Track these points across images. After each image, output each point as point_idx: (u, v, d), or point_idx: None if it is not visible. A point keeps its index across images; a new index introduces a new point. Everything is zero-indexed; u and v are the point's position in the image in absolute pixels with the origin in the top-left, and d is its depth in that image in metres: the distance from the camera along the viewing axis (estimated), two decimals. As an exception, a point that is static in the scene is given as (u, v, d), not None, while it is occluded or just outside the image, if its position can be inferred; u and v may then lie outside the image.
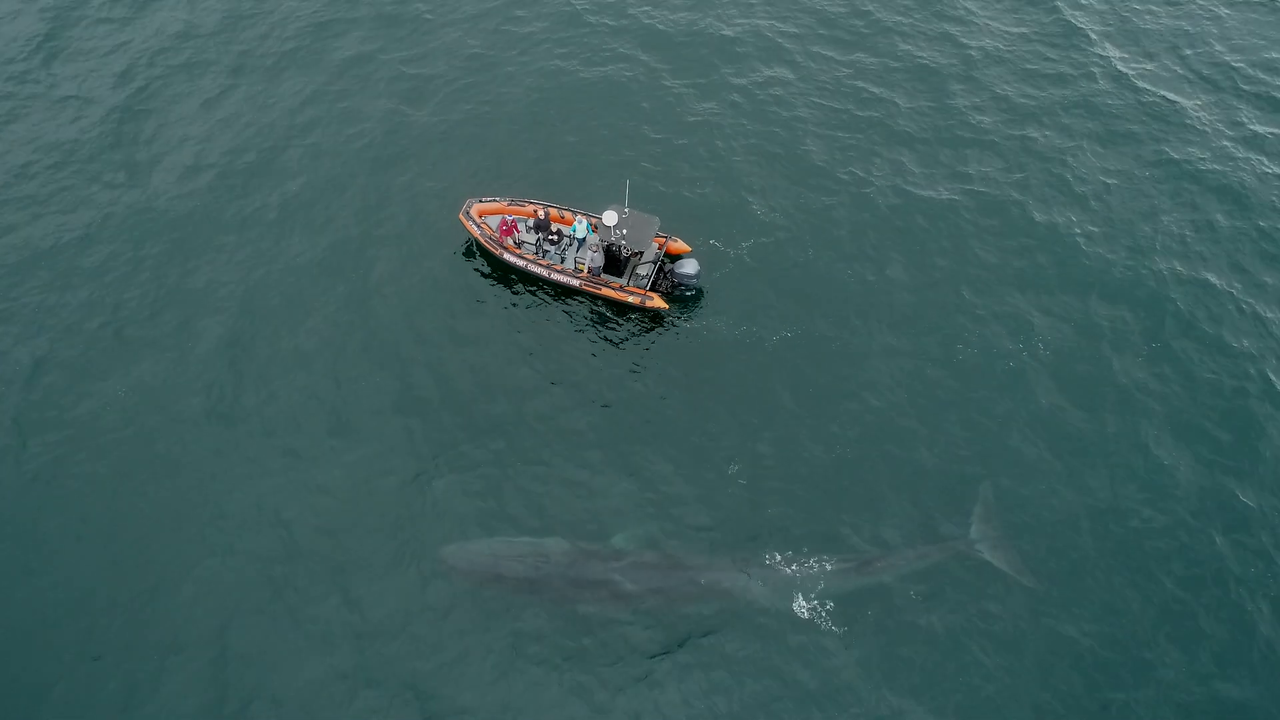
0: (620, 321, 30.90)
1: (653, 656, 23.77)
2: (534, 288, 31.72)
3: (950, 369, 29.09)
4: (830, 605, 24.37)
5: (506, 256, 31.41)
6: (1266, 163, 34.32)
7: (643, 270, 31.09)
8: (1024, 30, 40.05)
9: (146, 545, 25.29)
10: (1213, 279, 30.93)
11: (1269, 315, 29.92)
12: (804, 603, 24.41)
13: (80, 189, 33.98)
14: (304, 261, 32.14)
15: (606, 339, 30.49)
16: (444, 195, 33.96)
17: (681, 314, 30.93)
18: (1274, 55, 38.38)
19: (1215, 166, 34.24)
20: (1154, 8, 40.85)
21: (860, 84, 37.72)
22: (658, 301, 30.50)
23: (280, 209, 33.70)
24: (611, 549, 25.40)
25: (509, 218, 32.12)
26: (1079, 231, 32.51)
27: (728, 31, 39.94)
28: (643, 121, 36.38)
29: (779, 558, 25.20)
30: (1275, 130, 35.50)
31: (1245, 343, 29.30)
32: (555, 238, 31.81)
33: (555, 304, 31.40)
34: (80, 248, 32.14)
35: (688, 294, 31.29)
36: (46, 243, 32.22)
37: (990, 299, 30.76)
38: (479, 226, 31.78)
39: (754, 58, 38.86)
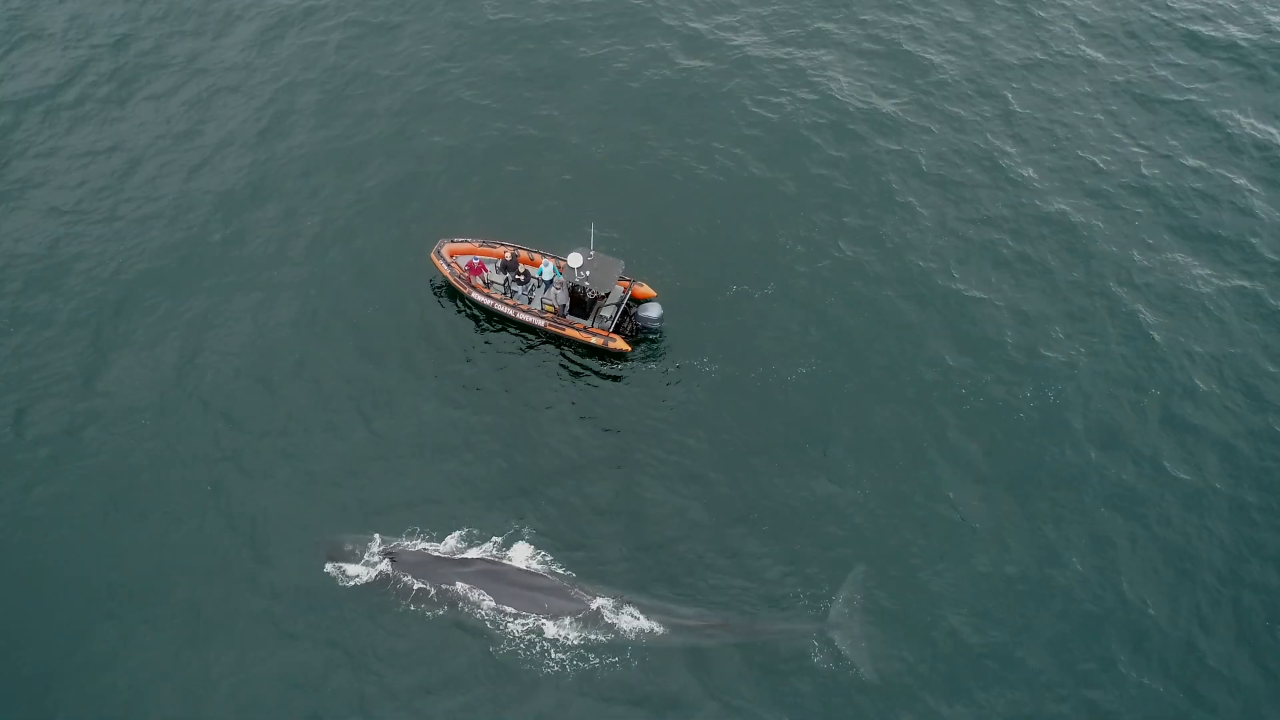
0: (582, 361, 31.68)
1: (470, 665, 25.22)
2: (501, 326, 32.55)
3: (865, 451, 29.28)
4: (671, 656, 25.16)
5: (475, 295, 32.22)
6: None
7: (606, 312, 31.90)
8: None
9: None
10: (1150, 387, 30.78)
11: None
12: (641, 644, 25.22)
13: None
14: (278, 285, 33.24)
15: (567, 377, 31.36)
16: (417, 232, 34.81)
17: (642, 356, 31.72)
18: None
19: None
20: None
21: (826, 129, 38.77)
22: (620, 344, 31.28)
23: (263, 234, 34.72)
24: (466, 556, 26.73)
25: (477, 258, 32.94)
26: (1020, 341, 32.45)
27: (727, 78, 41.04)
28: (617, 165, 37.40)
29: (631, 597, 25.98)
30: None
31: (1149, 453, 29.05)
32: (522, 278, 32.62)
33: (521, 342, 32.24)
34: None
35: (650, 336, 32.10)
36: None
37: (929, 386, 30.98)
38: (449, 265, 32.60)
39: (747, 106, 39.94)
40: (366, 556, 26.66)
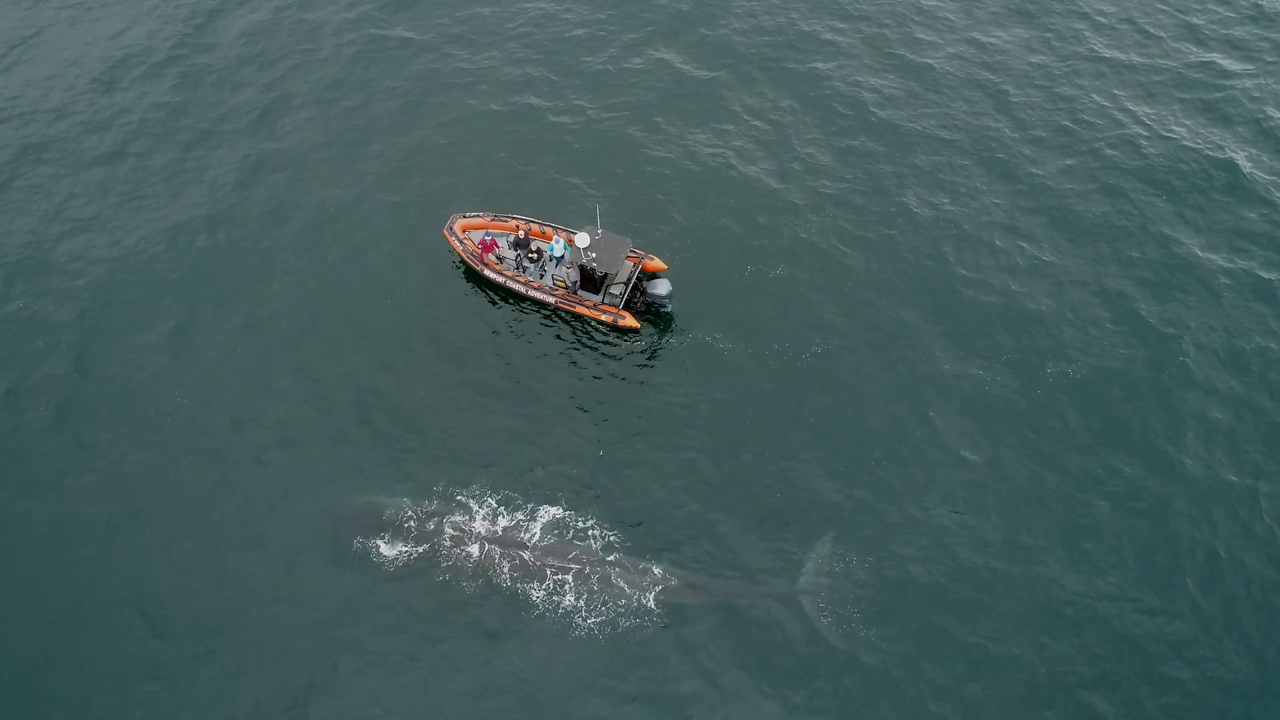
0: (592, 337, 31.82)
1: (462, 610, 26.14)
2: (513, 302, 32.74)
3: (857, 426, 29.43)
4: (653, 613, 25.73)
5: (487, 272, 32.44)
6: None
7: (616, 289, 31.89)
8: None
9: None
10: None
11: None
12: (618, 605, 25.84)
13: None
14: (297, 260, 33.85)
15: (577, 353, 31.56)
16: (427, 208, 35.14)
17: (651, 332, 31.74)
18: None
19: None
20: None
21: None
22: (629, 320, 31.31)
23: (280, 214, 35.29)
24: (476, 525, 27.41)
25: (489, 235, 33.10)
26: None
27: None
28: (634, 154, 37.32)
29: (611, 555, 26.62)
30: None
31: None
32: (535, 255, 32.70)
33: (533, 317, 32.49)
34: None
35: (661, 312, 32.04)
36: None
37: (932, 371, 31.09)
38: (461, 242, 32.79)
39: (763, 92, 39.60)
40: (381, 524, 27.32)
